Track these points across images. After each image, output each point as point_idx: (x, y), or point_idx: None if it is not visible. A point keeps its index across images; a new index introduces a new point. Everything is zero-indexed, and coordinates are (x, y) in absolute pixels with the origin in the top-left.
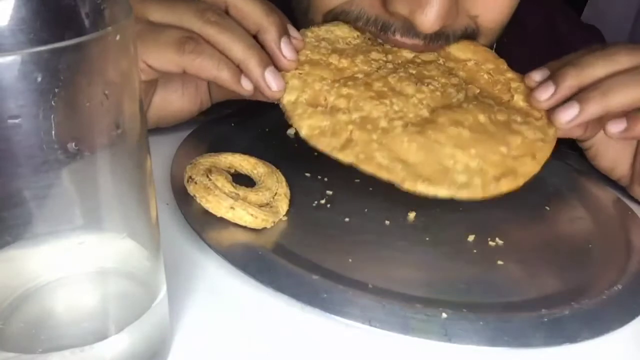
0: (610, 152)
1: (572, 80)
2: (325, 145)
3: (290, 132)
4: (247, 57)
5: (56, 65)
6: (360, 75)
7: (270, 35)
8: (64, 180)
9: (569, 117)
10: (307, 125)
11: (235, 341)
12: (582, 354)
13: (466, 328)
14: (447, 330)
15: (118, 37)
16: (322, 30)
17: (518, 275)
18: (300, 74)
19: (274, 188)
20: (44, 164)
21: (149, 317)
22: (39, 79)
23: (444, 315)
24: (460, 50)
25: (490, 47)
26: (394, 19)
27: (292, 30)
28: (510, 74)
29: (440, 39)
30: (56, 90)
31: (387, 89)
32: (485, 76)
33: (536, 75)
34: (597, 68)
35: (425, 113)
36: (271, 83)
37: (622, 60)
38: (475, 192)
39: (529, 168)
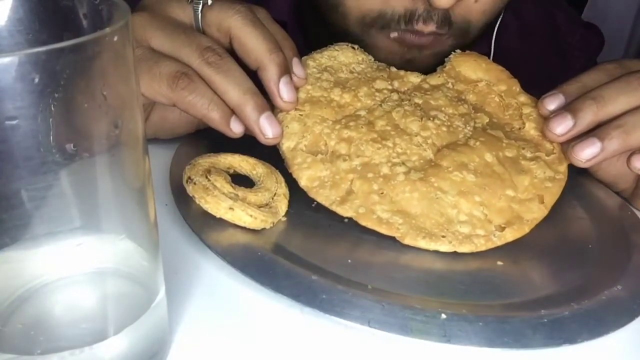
0: (613, 166)
1: (592, 117)
2: (324, 198)
3: None
4: (243, 103)
5: (54, 67)
6: (362, 113)
7: (269, 74)
8: (63, 182)
9: (589, 155)
10: (306, 177)
11: (234, 342)
12: (581, 355)
13: (465, 329)
14: (447, 331)
15: (116, 38)
16: (325, 57)
17: (517, 276)
18: (301, 115)
19: (273, 188)
20: (42, 166)
21: (148, 318)
22: (37, 80)
23: (443, 316)
24: (471, 69)
25: (488, 45)
26: (417, 3)
27: (297, 67)
28: (523, 98)
29: (446, 24)
30: (54, 91)
31: (390, 127)
32: (497, 99)
33: (550, 104)
34: (618, 104)
35: (429, 154)
36: (266, 130)
37: None
38: (477, 245)
39: (536, 214)
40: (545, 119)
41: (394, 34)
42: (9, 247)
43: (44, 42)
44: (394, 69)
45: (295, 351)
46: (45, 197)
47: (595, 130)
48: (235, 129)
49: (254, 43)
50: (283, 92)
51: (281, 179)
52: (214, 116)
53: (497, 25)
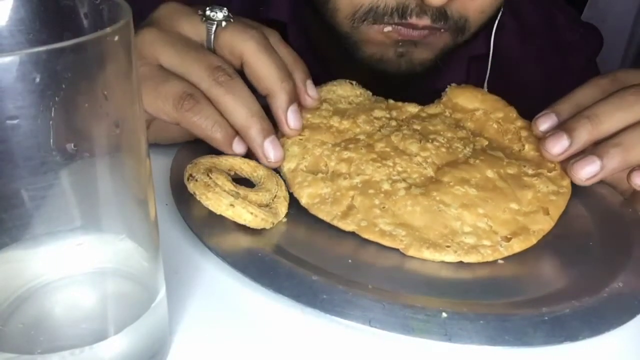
0: None
1: (588, 136)
2: (325, 214)
3: None
4: (248, 126)
5: (55, 66)
6: (362, 137)
7: (279, 102)
8: (63, 181)
9: (589, 174)
10: (307, 194)
11: (234, 342)
12: (582, 352)
13: (466, 327)
14: (447, 330)
15: (117, 38)
16: (324, 91)
17: (518, 274)
18: (301, 139)
19: (274, 190)
20: (43, 165)
21: (148, 317)
22: (38, 80)
23: (444, 314)
24: (467, 100)
25: (487, 45)
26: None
27: (310, 88)
28: (520, 122)
29: (441, 19)
30: (55, 91)
31: (389, 149)
32: (495, 126)
33: (543, 124)
34: (614, 121)
35: (429, 172)
36: (269, 153)
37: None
38: (484, 255)
39: (542, 225)
40: (541, 139)
41: (387, 28)
42: (9, 247)
43: (44, 42)
44: (391, 101)
45: (296, 351)
46: (46, 196)
47: (594, 148)
48: (237, 150)
49: (266, 71)
50: (290, 120)
51: (281, 182)
52: (217, 137)
53: (495, 25)
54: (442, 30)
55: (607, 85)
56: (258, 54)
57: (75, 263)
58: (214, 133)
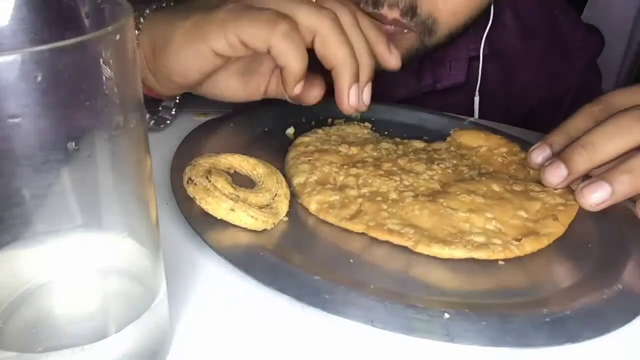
0: None
1: (585, 164)
2: (333, 217)
3: (289, 131)
4: (347, 62)
5: (56, 65)
6: (369, 160)
7: (353, 73)
8: (64, 180)
9: (599, 199)
10: (315, 201)
11: (235, 341)
12: (583, 353)
13: (468, 328)
14: (449, 331)
15: (118, 37)
16: (334, 129)
17: (519, 276)
18: (310, 160)
19: (274, 189)
20: (44, 164)
21: (149, 316)
22: (39, 79)
23: (446, 315)
24: (472, 139)
25: (486, 47)
26: None
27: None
28: (524, 155)
29: (409, 14)
30: (56, 90)
31: (396, 168)
32: (500, 159)
33: (537, 157)
34: (610, 148)
35: (436, 186)
36: (353, 96)
37: (637, 137)
38: (495, 252)
39: (552, 229)
40: (540, 169)
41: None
42: (10, 245)
43: (46, 41)
44: (398, 139)
45: (297, 351)
46: (47, 195)
47: (602, 174)
48: (297, 90)
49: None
50: (352, 95)
51: (282, 179)
52: (297, 67)
53: (488, 27)
54: (406, 30)
55: (598, 112)
56: (352, 27)
57: (77, 261)
58: (296, 62)
